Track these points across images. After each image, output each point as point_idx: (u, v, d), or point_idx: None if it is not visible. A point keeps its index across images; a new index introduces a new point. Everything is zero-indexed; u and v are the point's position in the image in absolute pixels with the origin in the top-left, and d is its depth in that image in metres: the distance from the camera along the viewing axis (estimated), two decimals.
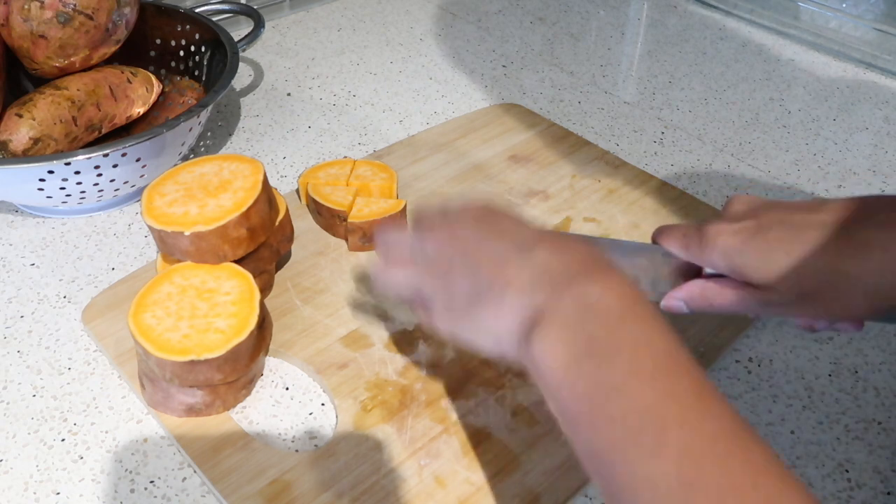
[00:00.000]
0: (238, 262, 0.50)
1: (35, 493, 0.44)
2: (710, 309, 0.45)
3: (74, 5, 0.60)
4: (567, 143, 0.73)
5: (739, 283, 0.43)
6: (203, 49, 0.72)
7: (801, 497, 0.29)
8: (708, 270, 0.46)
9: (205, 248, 0.48)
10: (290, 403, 0.49)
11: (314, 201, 0.60)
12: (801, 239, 0.40)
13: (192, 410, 0.46)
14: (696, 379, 0.32)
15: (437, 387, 0.49)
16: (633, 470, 0.30)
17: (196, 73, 0.74)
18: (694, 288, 0.45)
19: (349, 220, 0.58)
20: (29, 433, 0.47)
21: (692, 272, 0.46)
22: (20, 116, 0.59)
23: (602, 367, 0.32)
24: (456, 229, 0.41)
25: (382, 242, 0.44)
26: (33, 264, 0.59)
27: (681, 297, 0.45)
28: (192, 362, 0.43)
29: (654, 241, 0.48)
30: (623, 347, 0.33)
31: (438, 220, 0.42)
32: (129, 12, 0.65)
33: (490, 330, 0.37)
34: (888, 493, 0.45)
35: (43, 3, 0.59)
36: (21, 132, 0.59)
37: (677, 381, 0.32)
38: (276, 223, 0.52)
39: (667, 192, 0.66)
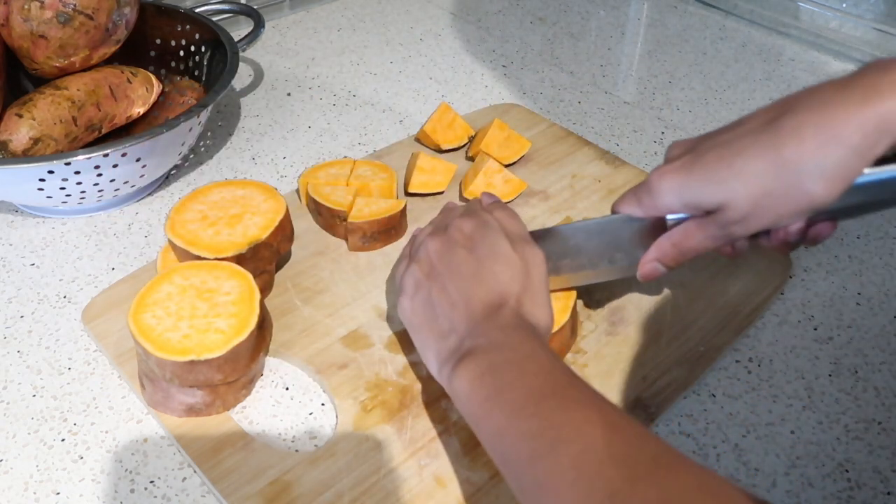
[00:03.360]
0: (238, 262, 0.50)
1: (35, 493, 0.44)
2: (684, 256, 0.47)
3: (74, 5, 0.60)
4: (567, 143, 0.73)
5: (700, 218, 0.44)
6: (203, 49, 0.72)
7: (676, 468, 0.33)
8: (670, 219, 0.47)
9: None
10: (290, 403, 0.49)
11: (314, 201, 0.60)
12: (736, 148, 0.42)
13: (192, 410, 0.46)
14: (566, 374, 0.39)
15: (437, 387, 0.49)
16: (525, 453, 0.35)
17: (196, 73, 0.74)
18: (662, 243, 0.46)
19: (349, 220, 0.58)
20: (29, 433, 0.47)
21: (657, 229, 0.48)
22: (20, 116, 0.59)
23: (497, 375, 0.39)
24: (439, 249, 0.46)
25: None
26: (33, 264, 0.59)
27: (653, 257, 0.47)
28: (192, 362, 0.43)
29: (614, 211, 0.50)
30: (514, 360, 0.39)
31: (447, 222, 0.48)
32: (129, 12, 0.65)
33: (428, 356, 0.45)
34: (888, 493, 0.45)
35: (43, 3, 0.59)
36: (21, 132, 0.59)
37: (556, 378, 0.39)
38: (276, 225, 0.52)
39: None
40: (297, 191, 0.64)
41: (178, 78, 0.74)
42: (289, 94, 0.82)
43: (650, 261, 0.47)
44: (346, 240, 0.60)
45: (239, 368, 0.46)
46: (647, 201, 0.46)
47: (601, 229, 0.50)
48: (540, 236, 0.52)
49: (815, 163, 0.39)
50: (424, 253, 0.47)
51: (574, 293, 0.51)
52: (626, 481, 0.32)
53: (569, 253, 0.51)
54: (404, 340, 0.52)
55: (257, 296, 0.47)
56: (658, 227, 0.48)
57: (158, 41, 0.75)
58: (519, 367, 0.39)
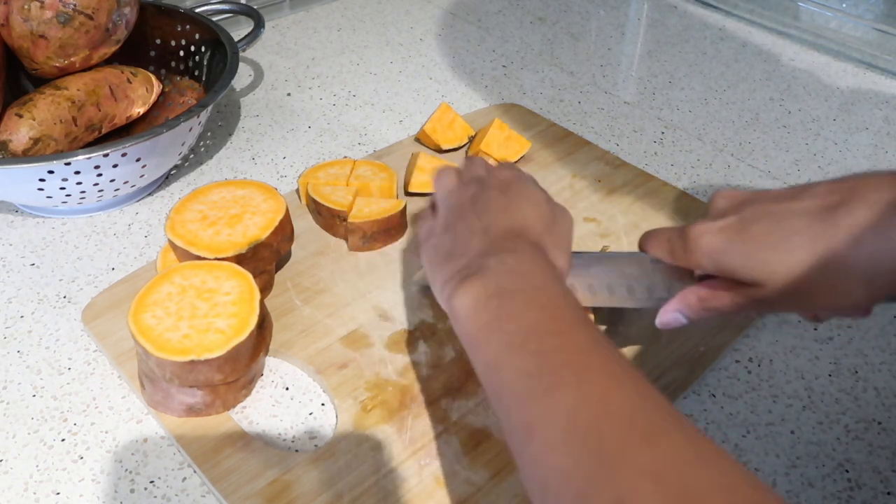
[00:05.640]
0: (238, 262, 0.50)
1: (35, 493, 0.44)
2: (708, 314, 0.44)
3: (74, 5, 0.60)
4: (567, 143, 0.73)
5: (733, 282, 0.41)
6: (203, 49, 0.72)
7: (680, 427, 0.30)
8: (699, 271, 0.45)
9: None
10: (290, 403, 0.49)
11: (314, 201, 0.60)
12: (786, 230, 0.38)
13: (192, 410, 0.46)
14: (576, 314, 0.37)
15: (437, 387, 0.49)
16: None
17: (196, 73, 0.74)
18: (689, 295, 0.44)
19: (349, 220, 0.58)
20: (29, 433, 0.47)
21: (686, 273, 0.46)
22: (20, 116, 0.59)
23: (503, 301, 0.37)
24: (472, 192, 0.45)
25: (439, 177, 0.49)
26: (33, 264, 0.60)
27: (676, 307, 0.44)
28: (192, 362, 0.43)
29: (641, 248, 0.47)
30: (524, 289, 0.37)
31: (473, 173, 0.47)
32: (129, 12, 0.65)
33: (436, 277, 0.42)
34: (888, 493, 0.45)
35: (43, 3, 0.59)
36: (21, 132, 0.59)
37: (560, 312, 0.37)
38: (276, 225, 0.52)
39: (667, 192, 0.66)
40: (297, 191, 0.64)
41: (178, 78, 0.75)
42: (289, 94, 0.82)
43: (672, 310, 0.44)
44: (346, 240, 0.60)
45: (239, 368, 0.46)
46: (679, 253, 0.43)
47: (624, 263, 0.49)
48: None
49: (864, 270, 0.37)
50: (456, 196, 0.45)
51: None
52: (618, 443, 0.30)
53: (588, 278, 0.49)
54: (404, 340, 0.52)
55: (257, 296, 0.47)
56: (684, 272, 0.46)
57: (158, 41, 0.75)
58: (527, 296, 0.37)
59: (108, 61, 0.68)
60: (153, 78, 0.69)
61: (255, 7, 0.78)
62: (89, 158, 0.56)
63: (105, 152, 0.56)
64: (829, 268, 0.37)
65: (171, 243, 0.52)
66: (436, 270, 0.42)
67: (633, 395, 0.32)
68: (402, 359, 0.51)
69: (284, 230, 0.54)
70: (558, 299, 0.37)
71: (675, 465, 0.29)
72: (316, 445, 0.47)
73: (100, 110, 0.64)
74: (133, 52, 0.71)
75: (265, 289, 0.54)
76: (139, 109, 0.68)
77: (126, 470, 0.45)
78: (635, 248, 0.60)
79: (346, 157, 0.72)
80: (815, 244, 0.37)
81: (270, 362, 0.52)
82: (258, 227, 0.52)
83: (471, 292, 0.38)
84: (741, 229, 0.40)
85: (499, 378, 0.35)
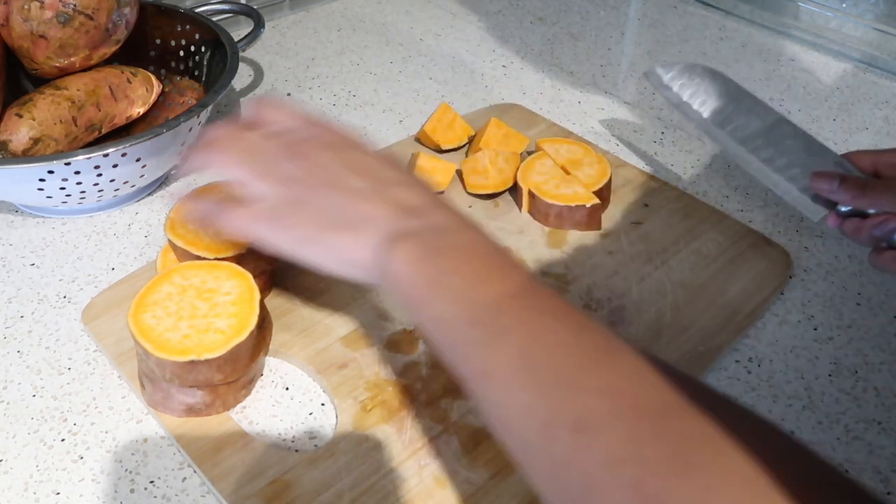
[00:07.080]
0: (238, 262, 0.50)
1: (35, 493, 0.44)
2: (862, 201, 0.51)
3: (74, 5, 0.60)
4: None
5: None
6: (203, 49, 0.72)
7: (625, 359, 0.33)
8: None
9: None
10: (290, 403, 0.49)
11: None
12: None
13: (192, 410, 0.46)
14: (509, 261, 0.38)
15: (437, 387, 0.49)
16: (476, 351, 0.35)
17: (196, 73, 0.74)
18: (851, 178, 0.51)
19: None
20: (29, 433, 0.47)
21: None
22: (20, 116, 0.59)
23: (441, 258, 0.37)
24: (318, 157, 0.42)
25: (220, 128, 0.45)
26: (33, 264, 0.60)
27: (837, 174, 0.51)
28: (192, 362, 0.43)
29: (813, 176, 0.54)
30: (458, 246, 0.38)
31: (299, 135, 0.44)
32: (129, 12, 0.65)
33: (344, 254, 0.40)
34: (888, 493, 0.45)
35: (43, 3, 0.59)
36: (21, 132, 0.59)
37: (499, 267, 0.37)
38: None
39: (667, 192, 0.66)
40: None
41: (178, 78, 0.74)
42: (289, 94, 0.82)
43: (833, 178, 0.51)
44: None
45: (239, 368, 0.46)
46: (868, 192, 0.50)
47: (805, 146, 0.52)
48: (744, 103, 0.57)
49: None
50: (291, 170, 0.42)
51: None
52: (569, 370, 0.32)
53: (764, 134, 0.54)
54: (404, 340, 0.52)
55: (257, 296, 0.47)
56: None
57: (158, 41, 0.75)
58: (463, 251, 0.38)
59: (108, 61, 0.68)
60: (153, 78, 0.69)
61: (255, 7, 0.78)
62: (89, 158, 0.56)
63: (105, 152, 0.56)
64: None
65: (171, 243, 0.52)
66: (329, 237, 0.40)
67: (575, 325, 0.34)
68: (402, 359, 0.51)
69: None
70: (491, 250, 0.38)
71: (624, 380, 0.32)
72: (316, 445, 0.47)
73: (100, 110, 0.64)
74: (133, 52, 0.71)
75: (265, 289, 0.54)
76: (139, 109, 0.68)
77: (126, 470, 0.45)
78: (635, 248, 0.60)
79: None
80: None
81: (270, 362, 0.52)
82: None
83: (406, 255, 0.37)
84: None
85: (449, 331, 0.36)
